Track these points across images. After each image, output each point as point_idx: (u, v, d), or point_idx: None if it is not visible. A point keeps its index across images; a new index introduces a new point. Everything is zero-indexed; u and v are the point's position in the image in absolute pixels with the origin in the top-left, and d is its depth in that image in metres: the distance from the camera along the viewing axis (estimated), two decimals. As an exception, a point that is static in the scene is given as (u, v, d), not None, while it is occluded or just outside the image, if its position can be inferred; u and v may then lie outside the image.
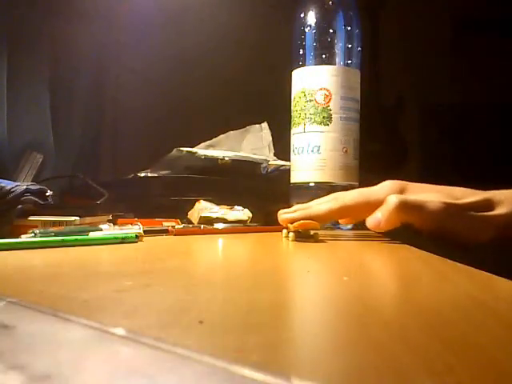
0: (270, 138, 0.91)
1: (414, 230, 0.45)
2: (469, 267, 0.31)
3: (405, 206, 0.44)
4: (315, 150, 0.66)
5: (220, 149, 0.86)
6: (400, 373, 0.12)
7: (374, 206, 0.47)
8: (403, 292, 0.25)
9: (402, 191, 0.48)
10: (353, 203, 0.50)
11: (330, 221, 0.57)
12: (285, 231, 0.51)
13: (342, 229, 0.63)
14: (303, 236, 0.48)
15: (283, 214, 0.52)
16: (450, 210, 0.43)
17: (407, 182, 0.49)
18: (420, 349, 0.14)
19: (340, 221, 0.59)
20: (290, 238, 0.49)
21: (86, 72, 1.02)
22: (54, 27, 0.90)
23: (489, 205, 0.45)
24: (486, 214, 0.44)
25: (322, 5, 0.68)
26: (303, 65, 0.68)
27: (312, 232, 0.49)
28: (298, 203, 0.68)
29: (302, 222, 0.48)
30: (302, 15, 0.68)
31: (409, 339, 0.15)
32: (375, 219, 0.45)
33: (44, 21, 0.87)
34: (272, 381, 0.11)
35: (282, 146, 0.81)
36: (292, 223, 0.49)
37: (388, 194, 0.46)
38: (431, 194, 0.46)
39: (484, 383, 0.12)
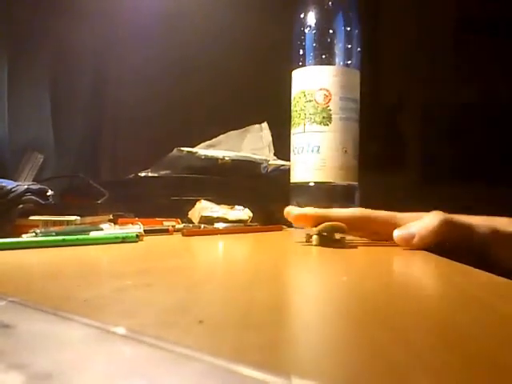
0: (270, 138, 0.91)
1: (450, 250, 0.40)
2: (471, 268, 0.31)
3: (450, 224, 0.39)
4: (315, 149, 0.66)
5: (220, 149, 0.86)
6: (400, 373, 0.12)
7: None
8: (403, 292, 0.25)
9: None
10: (379, 218, 0.44)
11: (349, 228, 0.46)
12: (306, 234, 0.44)
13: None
14: (328, 240, 0.42)
15: (295, 211, 0.45)
16: (498, 236, 0.40)
17: (451, 215, 0.43)
18: (420, 349, 0.14)
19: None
20: (314, 242, 0.42)
21: (86, 72, 1.02)
22: (54, 28, 0.90)
23: None
24: None
25: (321, 5, 0.68)
26: (303, 65, 0.68)
27: (338, 236, 0.43)
28: (298, 203, 0.68)
29: (328, 223, 0.41)
30: (301, 16, 0.68)
31: (408, 339, 0.15)
32: (407, 233, 0.40)
33: (44, 21, 0.87)
34: (272, 380, 0.11)
35: (281, 146, 0.81)
36: (316, 225, 0.42)
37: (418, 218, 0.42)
38: (474, 220, 0.41)
39: (483, 383, 0.12)
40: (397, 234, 0.41)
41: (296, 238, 0.48)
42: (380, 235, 0.46)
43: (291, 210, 0.46)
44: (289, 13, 0.71)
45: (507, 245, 0.41)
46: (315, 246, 0.42)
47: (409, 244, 0.40)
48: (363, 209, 0.46)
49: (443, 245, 0.40)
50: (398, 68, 1.07)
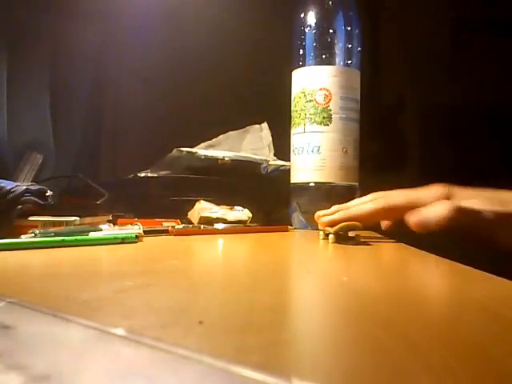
0: (270, 138, 0.91)
1: (457, 236, 0.42)
2: (467, 267, 0.31)
3: (460, 213, 0.41)
4: (315, 150, 0.66)
5: (220, 149, 0.86)
6: (400, 373, 0.12)
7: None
8: (403, 292, 0.25)
9: (448, 196, 0.45)
10: (397, 204, 0.47)
11: (372, 222, 0.52)
12: (322, 233, 0.49)
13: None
14: (343, 238, 0.46)
15: (323, 217, 0.50)
16: (504, 220, 0.41)
17: (454, 187, 0.46)
18: (420, 349, 0.14)
19: (382, 224, 0.55)
20: (331, 241, 0.46)
21: (85, 72, 1.02)
22: (53, 27, 0.90)
23: None
24: None
25: (322, 5, 0.68)
26: (303, 65, 0.68)
27: (352, 234, 0.47)
28: (297, 203, 0.68)
29: (343, 223, 0.46)
30: (302, 15, 0.68)
31: (408, 339, 0.15)
32: (422, 218, 0.41)
33: (44, 21, 0.87)
34: (272, 381, 0.11)
35: (281, 146, 0.81)
36: (332, 226, 0.47)
37: (435, 199, 0.44)
38: (481, 201, 0.42)
39: (483, 383, 0.12)
40: (409, 220, 0.42)
41: (309, 237, 0.51)
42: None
43: (321, 218, 0.51)
44: (289, 12, 0.71)
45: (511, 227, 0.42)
46: (332, 243, 0.46)
47: (420, 229, 0.41)
48: (379, 196, 0.49)
49: (451, 231, 0.42)
50: (399, 68, 1.07)
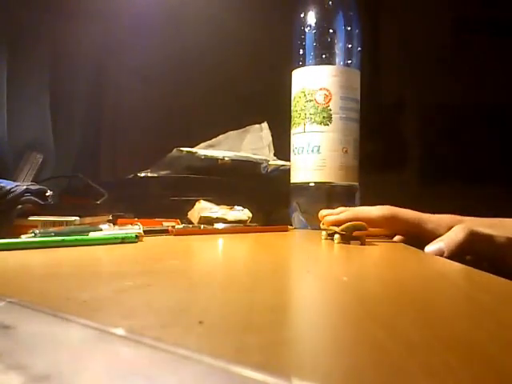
0: (270, 138, 0.91)
1: (473, 261, 0.43)
2: (467, 267, 0.31)
3: (474, 238, 0.42)
4: (315, 149, 0.66)
5: (220, 149, 0.86)
6: (400, 373, 0.12)
7: (428, 233, 0.45)
8: (403, 292, 0.25)
9: (457, 224, 0.45)
10: (407, 218, 0.47)
11: (376, 227, 0.51)
12: (324, 233, 0.49)
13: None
14: (348, 238, 0.45)
15: (328, 216, 0.49)
16: None
17: (462, 217, 0.47)
18: (420, 349, 0.14)
19: (394, 238, 0.54)
20: (336, 241, 0.45)
21: (85, 72, 1.02)
22: (53, 27, 0.90)
23: None
24: None
25: (322, 5, 0.68)
26: (303, 65, 0.68)
27: (358, 234, 0.46)
28: (297, 203, 0.68)
29: (350, 223, 0.45)
30: (302, 15, 0.68)
31: (408, 339, 0.15)
32: (437, 248, 0.42)
33: (44, 21, 0.87)
34: (272, 381, 0.11)
35: (281, 146, 0.81)
36: (337, 225, 0.46)
37: (446, 227, 0.45)
38: (491, 228, 0.43)
39: (483, 383, 0.12)
40: (428, 250, 0.43)
41: (309, 237, 0.51)
42: (406, 235, 0.50)
43: (326, 217, 0.50)
44: (289, 12, 0.71)
45: None
46: (337, 243, 0.45)
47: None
48: (390, 207, 0.49)
49: (465, 255, 0.43)
50: (399, 68, 1.07)
